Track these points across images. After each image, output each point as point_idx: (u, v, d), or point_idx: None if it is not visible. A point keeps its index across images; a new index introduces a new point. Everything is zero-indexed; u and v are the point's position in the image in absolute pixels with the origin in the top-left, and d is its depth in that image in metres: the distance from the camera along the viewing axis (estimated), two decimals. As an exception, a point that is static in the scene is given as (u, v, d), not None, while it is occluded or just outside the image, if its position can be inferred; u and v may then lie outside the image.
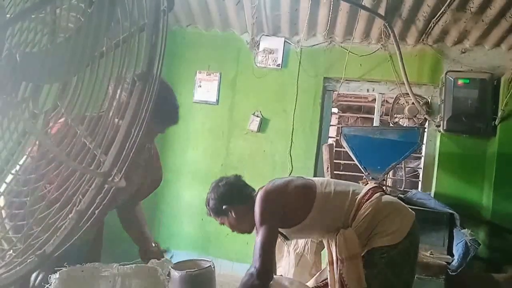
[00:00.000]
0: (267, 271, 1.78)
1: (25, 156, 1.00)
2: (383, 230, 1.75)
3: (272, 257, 1.85)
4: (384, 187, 2.02)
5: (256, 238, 1.79)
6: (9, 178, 0.98)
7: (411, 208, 2.86)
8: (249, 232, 1.99)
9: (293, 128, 3.73)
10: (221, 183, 1.97)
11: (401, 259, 1.73)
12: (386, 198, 1.86)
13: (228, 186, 1.95)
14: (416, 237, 1.82)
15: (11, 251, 0.92)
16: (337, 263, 1.72)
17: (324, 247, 2.00)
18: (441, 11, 3.09)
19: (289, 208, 1.83)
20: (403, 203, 1.93)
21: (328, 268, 1.79)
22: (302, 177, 1.99)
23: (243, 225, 1.95)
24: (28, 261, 0.87)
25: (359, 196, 1.82)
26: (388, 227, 1.74)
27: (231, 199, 1.92)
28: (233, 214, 1.92)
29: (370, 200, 1.78)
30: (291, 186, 1.87)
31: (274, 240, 1.83)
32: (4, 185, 0.96)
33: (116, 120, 0.86)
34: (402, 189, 3.58)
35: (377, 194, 1.81)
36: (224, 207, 1.92)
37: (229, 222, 1.97)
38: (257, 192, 1.91)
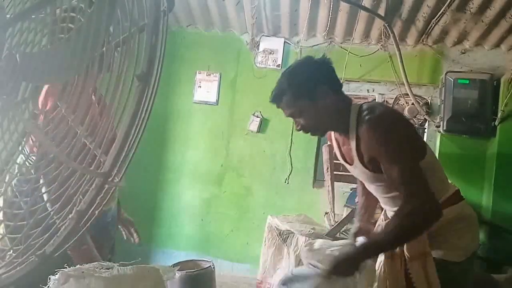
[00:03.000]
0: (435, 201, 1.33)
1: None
2: (451, 242, 1.46)
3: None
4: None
5: (391, 173, 1.35)
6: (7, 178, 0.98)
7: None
8: (323, 133, 1.65)
9: (293, 128, 3.73)
10: (313, 59, 1.53)
11: (462, 278, 1.50)
12: (468, 208, 1.54)
13: (325, 64, 1.51)
14: (475, 258, 1.59)
15: (11, 251, 0.93)
16: (402, 259, 1.43)
17: None
18: (441, 12, 3.09)
19: (416, 141, 1.49)
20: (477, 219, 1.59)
21: (383, 262, 1.47)
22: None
23: (326, 120, 1.52)
24: (28, 261, 0.87)
25: (447, 195, 1.49)
26: (457, 241, 1.46)
27: (326, 80, 1.49)
28: (324, 101, 1.47)
29: (454, 204, 1.48)
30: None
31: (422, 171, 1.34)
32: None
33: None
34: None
35: (463, 202, 1.52)
36: (315, 86, 1.46)
37: (310, 110, 1.48)
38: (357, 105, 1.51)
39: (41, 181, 1.19)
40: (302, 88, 1.46)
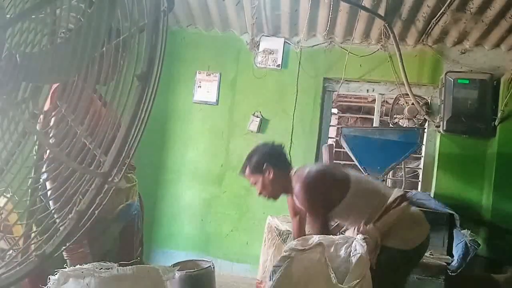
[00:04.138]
0: None
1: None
2: (399, 234, 1.87)
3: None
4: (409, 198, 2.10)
5: (310, 221, 2.04)
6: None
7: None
8: (275, 198, 2.13)
9: (292, 128, 3.73)
10: (268, 144, 2.13)
11: (403, 262, 1.88)
12: (411, 209, 1.97)
13: (274, 148, 2.11)
14: (424, 249, 1.97)
15: (11, 251, 0.93)
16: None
17: None
18: (441, 12, 3.09)
19: (327, 195, 1.96)
20: (423, 216, 2.00)
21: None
22: (336, 167, 2.08)
23: (274, 189, 2.07)
24: (28, 261, 0.87)
25: (388, 202, 1.91)
26: (404, 234, 1.87)
27: (274, 160, 2.04)
28: (271, 175, 2.02)
29: (396, 208, 1.89)
30: (329, 176, 2.03)
31: (329, 223, 1.99)
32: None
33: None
34: (402, 189, 3.58)
35: (404, 204, 1.92)
36: (265, 165, 2.02)
37: (262, 182, 2.05)
38: (295, 173, 2.03)
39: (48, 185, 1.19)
40: (255, 166, 2.05)
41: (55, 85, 1.19)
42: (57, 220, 0.91)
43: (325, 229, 1.92)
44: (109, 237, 1.71)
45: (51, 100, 1.18)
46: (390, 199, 1.92)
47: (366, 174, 3.14)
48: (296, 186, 1.96)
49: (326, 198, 1.95)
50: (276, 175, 2.03)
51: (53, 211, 1.02)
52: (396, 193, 1.98)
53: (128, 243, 1.86)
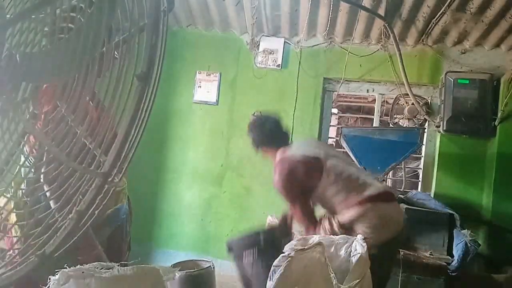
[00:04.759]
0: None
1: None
2: (359, 230, 1.91)
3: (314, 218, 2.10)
4: (393, 192, 2.09)
5: (292, 210, 2.17)
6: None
7: (411, 209, 2.91)
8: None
9: (293, 128, 3.73)
10: (264, 127, 2.27)
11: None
12: (380, 208, 1.94)
13: (266, 131, 2.27)
14: (390, 248, 2.00)
15: (11, 251, 0.93)
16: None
17: None
18: (441, 12, 3.09)
19: (302, 183, 2.07)
20: (396, 215, 2.02)
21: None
22: (316, 157, 2.07)
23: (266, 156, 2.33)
24: (28, 261, 0.87)
25: (358, 198, 1.93)
26: (368, 231, 1.89)
27: (266, 143, 2.26)
28: (268, 152, 2.28)
29: (361, 205, 1.91)
30: (302, 165, 2.08)
31: (310, 208, 2.10)
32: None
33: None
34: (402, 189, 3.58)
35: (368, 205, 1.91)
36: (259, 147, 2.29)
37: (263, 154, 2.31)
38: (279, 157, 2.15)
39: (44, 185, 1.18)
40: (255, 142, 2.28)
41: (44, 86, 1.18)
42: (59, 219, 0.91)
43: (304, 209, 2.05)
44: (99, 241, 1.69)
45: (40, 101, 1.18)
46: (365, 193, 1.94)
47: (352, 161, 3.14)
48: (275, 168, 2.11)
49: (299, 184, 2.05)
50: (271, 152, 2.25)
51: (53, 211, 1.02)
52: (374, 188, 1.97)
53: (117, 247, 1.84)
